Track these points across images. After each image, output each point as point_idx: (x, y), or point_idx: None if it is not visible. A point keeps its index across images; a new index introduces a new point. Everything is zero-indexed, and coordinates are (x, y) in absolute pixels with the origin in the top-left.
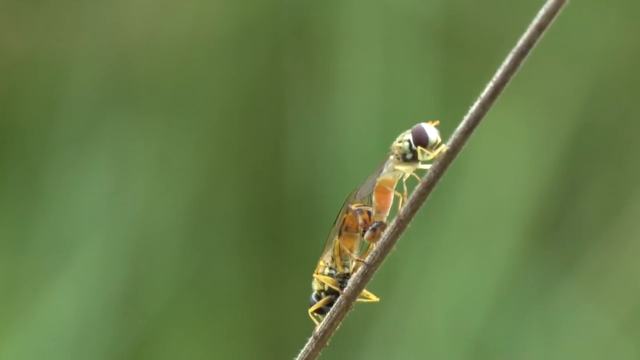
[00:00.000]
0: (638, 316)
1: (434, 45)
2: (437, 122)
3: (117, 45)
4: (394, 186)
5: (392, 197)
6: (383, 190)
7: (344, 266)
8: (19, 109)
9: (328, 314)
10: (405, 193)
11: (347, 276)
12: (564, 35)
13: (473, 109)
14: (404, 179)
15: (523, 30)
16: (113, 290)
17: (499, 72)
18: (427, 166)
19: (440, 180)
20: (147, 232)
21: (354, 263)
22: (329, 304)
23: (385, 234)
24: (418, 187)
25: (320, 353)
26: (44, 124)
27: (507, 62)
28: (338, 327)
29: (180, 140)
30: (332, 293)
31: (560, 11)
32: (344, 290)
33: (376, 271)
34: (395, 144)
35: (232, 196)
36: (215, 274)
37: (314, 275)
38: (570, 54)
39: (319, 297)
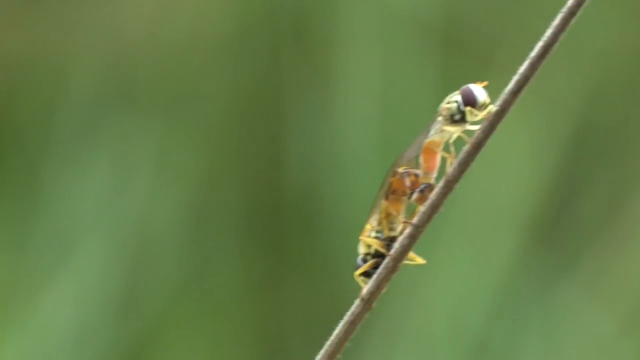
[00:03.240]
0: (638, 316)
1: (434, 46)
2: (485, 83)
3: (117, 45)
4: (441, 147)
5: (439, 158)
6: (430, 152)
7: (390, 229)
8: (18, 109)
9: (375, 275)
10: (453, 154)
11: (393, 239)
12: (565, 33)
13: (522, 68)
14: (451, 140)
15: (523, 31)
16: (112, 290)
17: (549, 32)
18: (476, 127)
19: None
20: (146, 231)
21: (401, 226)
22: (375, 266)
23: (433, 195)
24: (466, 147)
25: (367, 315)
26: (43, 124)
27: (556, 21)
28: (385, 289)
29: (180, 140)
30: (379, 256)
31: None
32: (391, 252)
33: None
34: (443, 105)
35: (231, 196)
36: (215, 274)
37: (360, 237)
38: (570, 54)
39: (364, 261)
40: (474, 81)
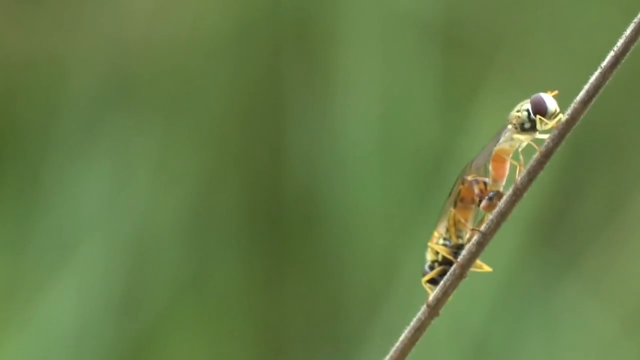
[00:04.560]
0: (639, 315)
1: (434, 46)
2: (555, 92)
3: (117, 45)
4: (511, 155)
5: (508, 166)
6: (500, 160)
7: (458, 237)
8: (18, 109)
9: (442, 282)
10: (522, 162)
11: (460, 247)
12: (566, 33)
13: (593, 78)
14: (520, 149)
15: (524, 31)
16: (113, 289)
17: (620, 42)
18: (545, 135)
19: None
20: (147, 231)
21: (469, 234)
22: (442, 274)
23: (501, 203)
24: (536, 155)
25: (432, 321)
26: (44, 124)
27: (628, 32)
28: (451, 296)
29: (181, 140)
30: (446, 263)
31: None
32: (459, 259)
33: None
34: (514, 113)
35: (232, 196)
36: (216, 274)
37: (429, 244)
38: (571, 52)
39: (432, 268)
40: (474, 81)
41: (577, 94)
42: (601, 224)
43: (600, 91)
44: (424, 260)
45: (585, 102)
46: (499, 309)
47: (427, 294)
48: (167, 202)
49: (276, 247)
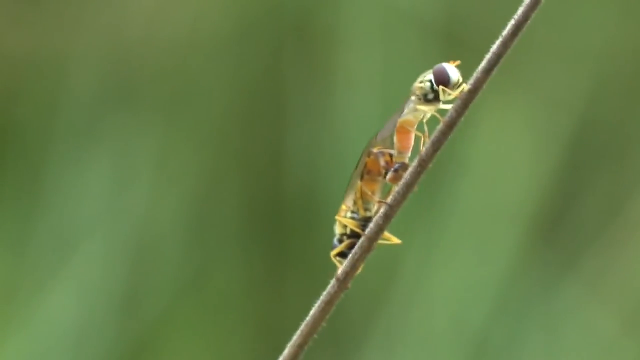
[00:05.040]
0: (639, 315)
1: (435, 45)
2: (457, 62)
3: (118, 45)
4: (415, 126)
5: (413, 138)
6: (404, 131)
7: (365, 209)
8: (19, 108)
9: (350, 255)
10: (427, 133)
11: (369, 219)
12: (565, 33)
13: (495, 47)
14: (425, 119)
15: (525, 30)
16: (114, 289)
17: (520, 10)
18: (449, 106)
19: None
20: (148, 231)
21: (376, 206)
22: (351, 247)
23: (407, 174)
24: (440, 126)
25: (342, 295)
26: (45, 123)
27: (527, 1)
28: (360, 269)
29: (181, 140)
30: (354, 236)
31: None
32: (366, 232)
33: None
34: (416, 84)
35: (232, 195)
36: (216, 274)
37: (336, 217)
38: (571, 52)
39: (340, 241)
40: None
41: (576, 94)
42: (601, 223)
43: (501, 60)
44: (425, 258)
45: (487, 71)
46: (499, 309)
47: (430, 292)
48: (168, 202)
49: (276, 247)
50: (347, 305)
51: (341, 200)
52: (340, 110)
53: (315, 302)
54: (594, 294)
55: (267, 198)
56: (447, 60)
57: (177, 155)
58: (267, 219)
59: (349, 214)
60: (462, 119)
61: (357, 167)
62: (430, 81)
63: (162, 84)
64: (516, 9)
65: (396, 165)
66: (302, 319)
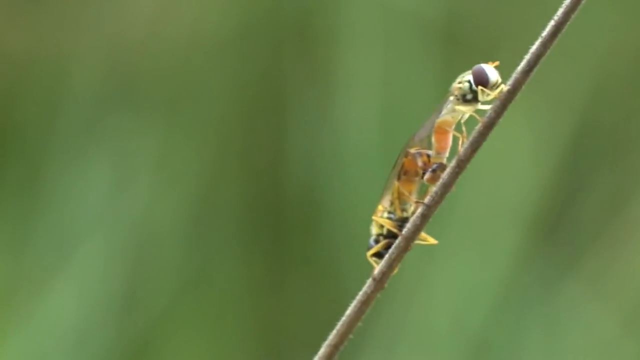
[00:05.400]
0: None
1: (435, 45)
2: (497, 63)
3: (118, 44)
4: (453, 127)
5: (451, 138)
6: (442, 131)
7: (402, 210)
8: (19, 108)
9: (387, 255)
10: (465, 133)
11: (405, 220)
12: (566, 33)
13: (534, 47)
14: (463, 120)
15: (525, 29)
16: (114, 289)
17: (560, 11)
18: (487, 106)
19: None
20: (148, 231)
21: (413, 206)
22: (387, 247)
23: (445, 175)
24: (479, 126)
25: (378, 295)
26: (45, 123)
27: (567, 1)
28: (397, 269)
29: (182, 140)
30: (391, 236)
31: None
32: (403, 232)
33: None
34: (455, 84)
35: (233, 195)
36: (216, 274)
37: (373, 218)
38: (572, 53)
39: (377, 241)
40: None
41: (576, 94)
42: (602, 223)
43: (542, 61)
44: (425, 258)
45: (526, 72)
46: (500, 309)
47: (431, 292)
48: (168, 202)
49: (277, 247)
50: (347, 305)
51: (340, 200)
52: (340, 110)
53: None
54: (594, 294)
55: (267, 198)
56: (448, 60)
57: (178, 155)
58: (267, 218)
59: (385, 214)
60: (501, 119)
61: (394, 167)
62: (469, 81)
63: (163, 84)
64: (516, 9)
65: (434, 166)
66: (303, 318)
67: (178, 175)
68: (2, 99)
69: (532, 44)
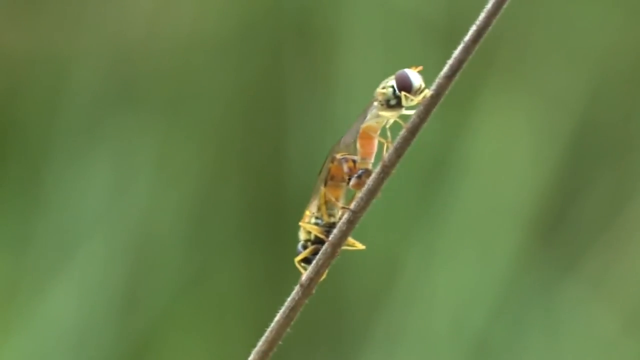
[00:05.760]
0: None
1: (436, 45)
2: (420, 68)
3: (119, 44)
4: (378, 132)
5: (376, 144)
6: (367, 137)
7: (329, 215)
8: (20, 108)
9: (314, 261)
10: (390, 139)
11: (333, 225)
12: (566, 33)
13: (457, 52)
14: (387, 125)
15: (525, 30)
16: (114, 289)
17: (481, 16)
18: (411, 112)
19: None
20: (148, 230)
21: (340, 212)
22: (315, 253)
23: (370, 180)
24: (402, 132)
25: (306, 301)
26: (45, 123)
27: (489, 5)
28: (324, 275)
29: (182, 139)
30: (319, 242)
31: None
32: (330, 238)
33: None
34: (379, 90)
35: (233, 195)
36: (217, 274)
37: (300, 223)
38: (572, 52)
39: (305, 247)
40: (475, 81)
41: (576, 95)
42: (602, 223)
43: (464, 66)
44: (425, 259)
45: (449, 77)
46: (500, 309)
47: (431, 292)
48: (169, 202)
49: (277, 247)
50: (347, 305)
51: None
52: (340, 110)
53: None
54: (595, 294)
55: (268, 198)
56: (447, 60)
57: (178, 155)
58: (268, 219)
59: (313, 220)
60: (425, 124)
61: (320, 172)
62: (393, 87)
63: (163, 84)
64: (516, 9)
65: (359, 172)
66: (302, 319)
67: (178, 175)
68: (2, 98)
69: (531, 45)
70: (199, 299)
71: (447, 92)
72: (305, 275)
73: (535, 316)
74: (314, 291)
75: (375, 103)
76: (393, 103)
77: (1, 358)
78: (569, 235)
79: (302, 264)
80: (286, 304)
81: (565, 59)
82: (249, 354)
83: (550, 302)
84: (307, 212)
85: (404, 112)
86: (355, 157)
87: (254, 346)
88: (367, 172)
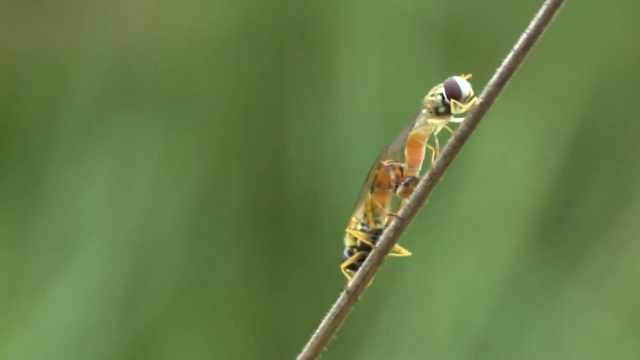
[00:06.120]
0: None
1: (436, 45)
2: (469, 75)
3: (119, 44)
4: (426, 140)
5: (424, 151)
6: (415, 145)
7: (376, 222)
8: (20, 108)
9: (361, 268)
10: (438, 146)
11: (379, 232)
12: (567, 33)
13: (506, 61)
14: (436, 133)
15: (525, 29)
16: (115, 289)
17: (532, 24)
18: (460, 119)
19: (442, 179)
20: (149, 231)
21: (387, 219)
22: (361, 259)
23: (417, 188)
24: (451, 139)
25: (352, 308)
26: (46, 123)
27: (540, 14)
28: (370, 282)
29: (183, 140)
30: (364, 249)
31: None
32: (377, 244)
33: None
34: (428, 97)
35: (234, 196)
36: (218, 274)
37: (346, 230)
38: (572, 53)
39: (351, 253)
40: (476, 81)
41: (577, 95)
42: (603, 223)
43: (514, 73)
44: (426, 259)
45: (499, 85)
46: (501, 309)
47: (431, 292)
48: (169, 202)
49: (278, 247)
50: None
51: (341, 201)
52: (341, 110)
53: (324, 314)
54: (596, 294)
55: (268, 198)
56: (448, 61)
57: (178, 155)
58: (268, 219)
59: (359, 227)
60: (474, 132)
61: (367, 179)
62: (442, 94)
63: (164, 84)
64: (516, 9)
65: (407, 179)
66: (304, 319)
67: (179, 176)
68: (3, 98)
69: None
70: (199, 299)
71: (495, 99)
72: (351, 281)
73: (535, 316)
74: (360, 298)
75: (424, 110)
76: (442, 111)
77: (1, 358)
78: (569, 235)
79: (348, 270)
80: (332, 310)
81: (565, 59)
82: (249, 354)
83: (550, 302)
84: (353, 219)
85: (453, 119)
86: (402, 165)
87: (258, 346)
88: (415, 180)
